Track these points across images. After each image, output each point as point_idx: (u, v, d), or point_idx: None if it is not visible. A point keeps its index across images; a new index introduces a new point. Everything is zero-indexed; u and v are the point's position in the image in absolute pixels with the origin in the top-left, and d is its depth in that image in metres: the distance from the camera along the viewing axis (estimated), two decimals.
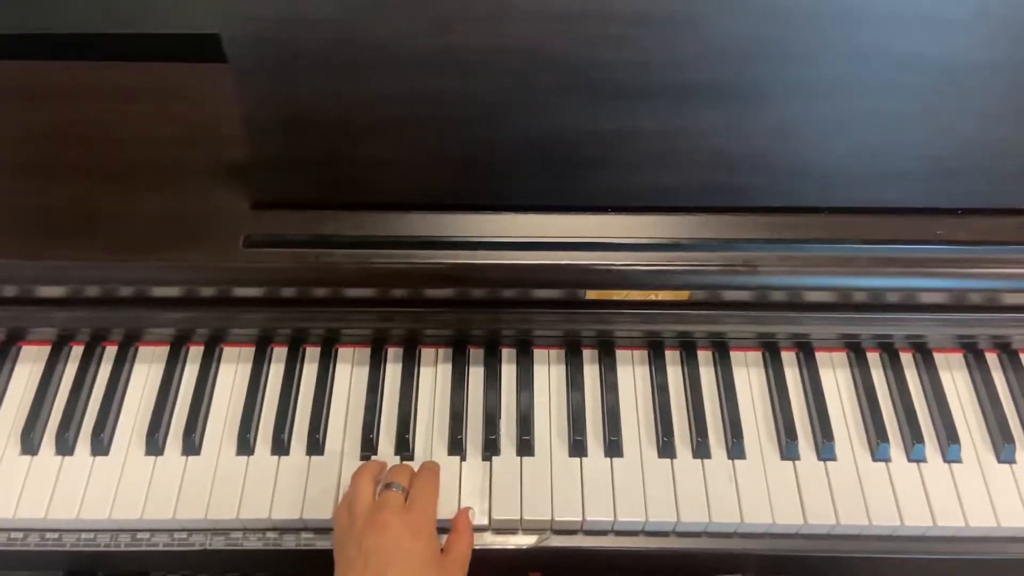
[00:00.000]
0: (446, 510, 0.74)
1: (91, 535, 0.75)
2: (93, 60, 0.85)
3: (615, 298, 0.77)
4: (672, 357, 0.84)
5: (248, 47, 0.67)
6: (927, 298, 0.78)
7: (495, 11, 0.65)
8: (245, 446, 0.78)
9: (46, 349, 0.83)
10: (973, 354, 0.84)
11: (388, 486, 0.70)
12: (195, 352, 0.83)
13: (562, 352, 0.84)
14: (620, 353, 0.83)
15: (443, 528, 0.73)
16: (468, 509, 0.74)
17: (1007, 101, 0.71)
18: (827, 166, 0.74)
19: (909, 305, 0.79)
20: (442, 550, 0.70)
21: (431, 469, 0.75)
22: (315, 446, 0.78)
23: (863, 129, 0.72)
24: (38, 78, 0.84)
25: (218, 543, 0.75)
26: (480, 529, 0.76)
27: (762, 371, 0.83)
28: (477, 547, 0.75)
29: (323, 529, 0.75)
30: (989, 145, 0.73)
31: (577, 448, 0.77)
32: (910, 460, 0.78)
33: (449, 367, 0.83)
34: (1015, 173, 0.74)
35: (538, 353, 0.84)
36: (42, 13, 0.87)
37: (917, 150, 0.73)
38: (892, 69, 0.69)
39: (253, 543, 0.75)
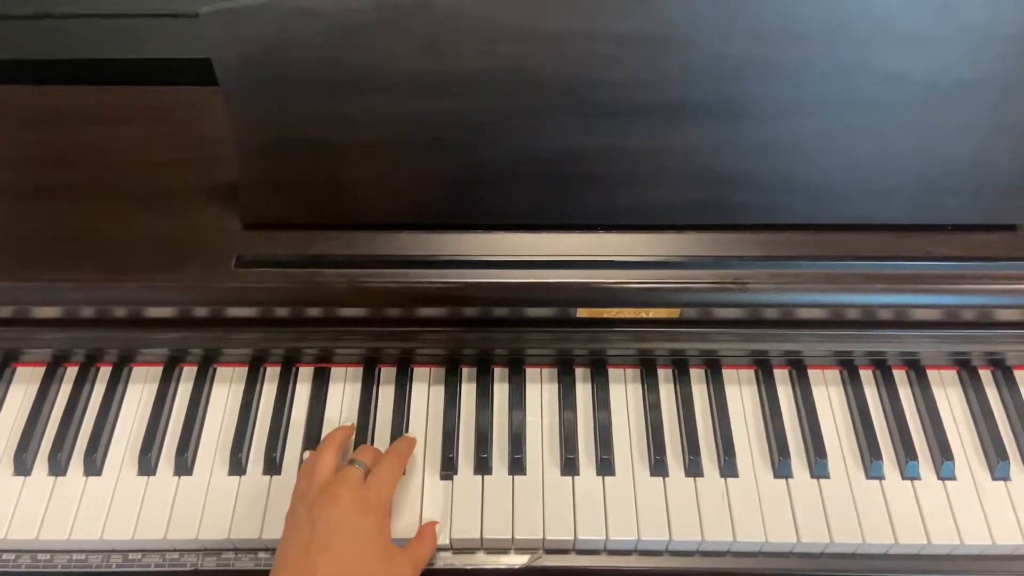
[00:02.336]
0: (439, 531, 0.74)
1: (83, 556, 0.75)
2: (85, 84, 0.85)
3: (606, 316, 0.77)
4: (664, 375, 0.84)
5: (239, 70, 0.68)
6: (919, 315, 0.78)
7: (483, 33, 0.66)
8: (237, 466, 0.78)
9: (40, 370, 0.83)
10: (967, 371, 0.83)
11: (351, 462, 0.71)
12: (188, 372, 0.84)
13: (554, 371, 0.84)
14: (612, 371, 0.83)
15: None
16: (435, 523, 0.74)
17: (994, 117, 0.71)
18: (816, 183, 0.74)
19: (901, 322, 0.78)
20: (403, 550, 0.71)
21: (399, 451, 0.75)
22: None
23: (851, 146, 0.72)
24: (30, 102, 0.85)
25: (210, 564, 0.75)
26: (472, 548, 0.75)
27: (755, 388, 0.83)
28: (469, 567, 0.75)
29: None
30: (977, 161, 0.73)
31: (569, 467, 0.77)
32: (904, 478, 0.77)
33: (441, 386, 0.83)
34: (1004, 189, 0.74)
35: (530, 372, 0.84)
36: (34, 38, 0.88)
37: (906, 167, 0.73)
38: (879, 87, 0.69)
39: (245, 563, 0.75)
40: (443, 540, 0.74)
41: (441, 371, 0.84)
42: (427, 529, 0.74)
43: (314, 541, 0.65)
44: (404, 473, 0.76)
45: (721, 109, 0.70)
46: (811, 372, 0.83)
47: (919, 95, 0.70)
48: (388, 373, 0.84)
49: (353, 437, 0.79)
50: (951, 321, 0.78)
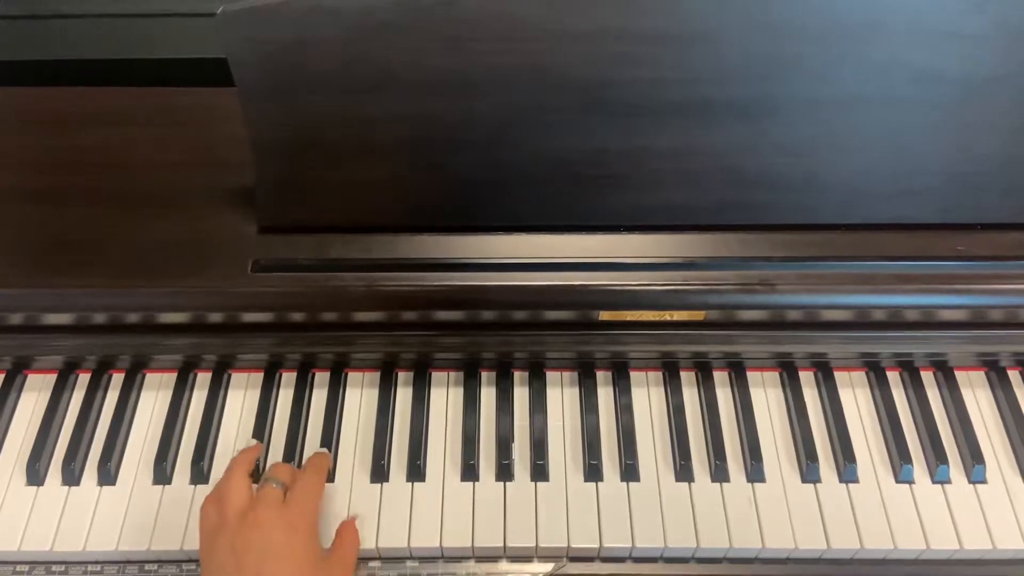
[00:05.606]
0: (461, 539, 0.72)
1: (98, 567, 0.74)
2: (99, 85, 0.84)
3: (629, 319, 0.76)
4: (688, 378, 0.82)
5: (256, 71, 0.66)
6: (948, 315, 0.76)
7: (507, 31, 0.64)
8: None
9: (52, 377, 0.82)
10: (995, 372, 0.82)
11: (267, 481, 0.69)
12: (203, 379, 0.82)
13: (576, 374, 0.82)
14: (635, 375, 0.82)
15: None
16: (354, 517, 0.73)
17: None
18: (845, 182, 0.72)
19: (929, 323, 0.77)
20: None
21: (316, 465, 0.73)
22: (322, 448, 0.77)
23: (881, 145, 0.71)
24: (44, 104, 0.84)
25: None
26: (495, 557, 0.74)
27: (780, 392, 0.81)
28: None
29: None
30: (1009, 160, 0.72)
31: (593, 473, 0.76)
32: (934, 482, 0.76)
33: (461, 391, 0.81)
34: None
35: (551, 376, 0.82)
36: (47, 39, 0.87)
37: (936, 165, 0.72)
38: (910, 84, 0.68)
39: None
40: (465, 547, 0.73)
41: (460, 375, 0.82)
42: (346, 528, 0.71)
43: (244, 574, 0.62)
44: (324, 488, 0.73)
45: (749, 107, 0.69)
46: (837, 374, 0.82)
47: (951, 93, 0.68)
48: (406, 378, 0.82)
49: (261, 456, 0.76)
50: (980, 322, 0.77)
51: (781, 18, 0.65)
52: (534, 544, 0.73)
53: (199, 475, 0.76)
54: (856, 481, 0.76)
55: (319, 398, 0.81)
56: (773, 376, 0.82)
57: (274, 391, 0.81)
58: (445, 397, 0.81)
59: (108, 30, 0.87)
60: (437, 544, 0.73)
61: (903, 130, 0.70)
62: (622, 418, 0.79)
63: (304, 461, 0.77)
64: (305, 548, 0.65)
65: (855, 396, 0.81)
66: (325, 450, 0.77)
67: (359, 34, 0.64)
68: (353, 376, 0.83)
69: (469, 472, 0.76)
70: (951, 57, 0.66)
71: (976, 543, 0.73)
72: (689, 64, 0.66)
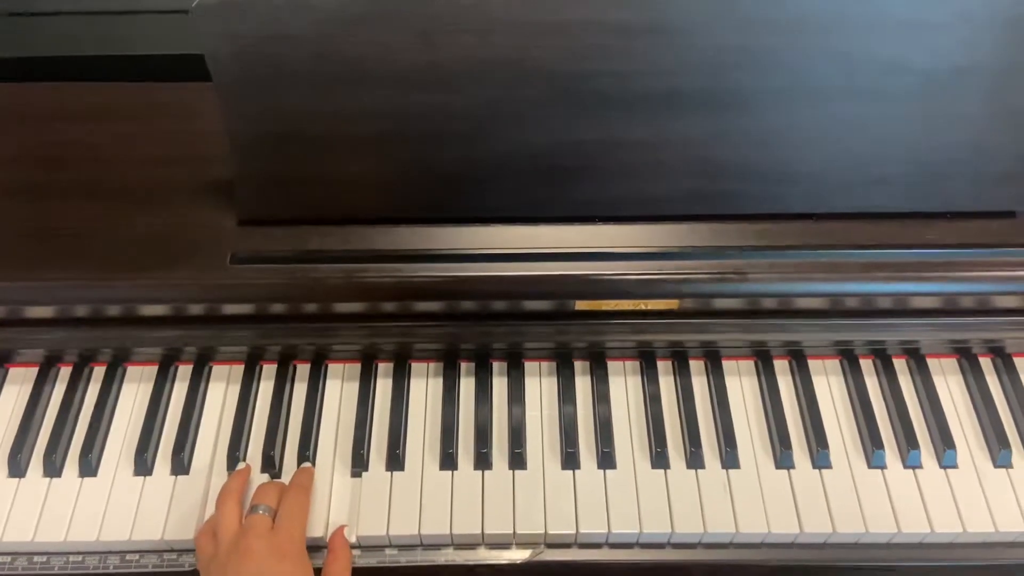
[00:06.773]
0: (440, 527, 0.73)
1: (79, 558, 0.74)
2: (78, 81, 0.85)
3: (605, 308, 0.77)
4: (664, 367, 0.83)
5: (232, 65, 0.67)
6: (919, 303, 0.78)
7: (478, 24, 0.65)
8: (235, 465, 0.77)
9: (34, 370, 0.82)
10: (967, 358, 0.83)
11: (254, 508, 0.70)
12: (184, 371, 0.83)
13: (553, 364, 0.83)
14: (611, 364, 0.83)
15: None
16: (343, 527, 0.73)
17: (992, 104, 0.71)
18: (815, 172, 0.74)
19: (901, 310, 0.78)
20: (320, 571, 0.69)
21: (299, 484, 0.73)
22: (305, 463, 0.77)
23: (850, 135, 0.72)
24: (22, 99, 0.84)
25: None
26: (473, 544, 0.75)
27: (755, 379, 0.82)
28: (470, 562, 0.74)
29: (317, 547, 0.74)
30: (976, 148, 0.73)
31: (570, 461, 0.77)
32: (906, 467, 0.77)
33: (440, 381, 0.82)
34: (1002, 175, 0.74)
35: (529, 366, 0.83)
36: (26, 35, 0.88)
37: (905, 155, 0.73)
38: (877, 75, 0.69)
39: None
40: (444, 535, 0.74)
41: (439, 366, 0.83)
42: (337, 542, 0.72)
43: None
44: (309, 505, 0.73)
45: (719, 99, 0.70)
46: (811, 362, 0.83)
47: (917, 82, 0.70)
48: (386, 368, 0.83)
49: (251, 476, 0.76)
50: (951, 309, 0.78)
51: (751, 10, 0.66)
52: (512, 531, 0.74)
53: (180, 466, 0.77)
54: (829, 467, 0.77)
55: (299, 389, 0.82)
56: (748, 364, 0.83)
57: (255, 383, 0.82)
58: (424, 387, 0.82)
59: (87, 26, 0.87)
60: (416, 532, 0.73)
61: (872, 120, 0.71)
62: (599, 407, 0.80)
63: (284, 452, 0.78)
64: (293, 573, 0.66)
65: (829, 383, 0.82)
66: (309, 465, 0.77)
67: (332, 28, 0.65)
68: (333, 367, 0.83)
69: (448, 461, 0.77)
70: (915, 47, 0.67)
71: (947, 527, 0.74)
72: (660, 56, 0.67)
